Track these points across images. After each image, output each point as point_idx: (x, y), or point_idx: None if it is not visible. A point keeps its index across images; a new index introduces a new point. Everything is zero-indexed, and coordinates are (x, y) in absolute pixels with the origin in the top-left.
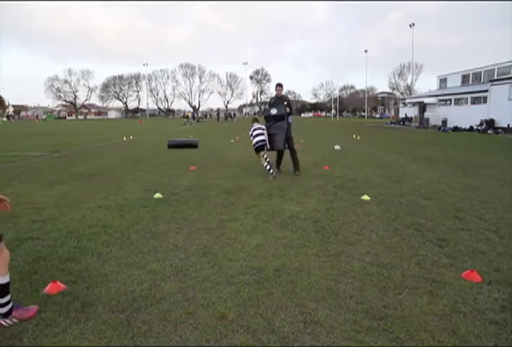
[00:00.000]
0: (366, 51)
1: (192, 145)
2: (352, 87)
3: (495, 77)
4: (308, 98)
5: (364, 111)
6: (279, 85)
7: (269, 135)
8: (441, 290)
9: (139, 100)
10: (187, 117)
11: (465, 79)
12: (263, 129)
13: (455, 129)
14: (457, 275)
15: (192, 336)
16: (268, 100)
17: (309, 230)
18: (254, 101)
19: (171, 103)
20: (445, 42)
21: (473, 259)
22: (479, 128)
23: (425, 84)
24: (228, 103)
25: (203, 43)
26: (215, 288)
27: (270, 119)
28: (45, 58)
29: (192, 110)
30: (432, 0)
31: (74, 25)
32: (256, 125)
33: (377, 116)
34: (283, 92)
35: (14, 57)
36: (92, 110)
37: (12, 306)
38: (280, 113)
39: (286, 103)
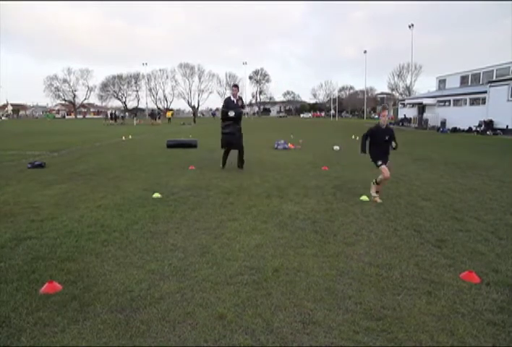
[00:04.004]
0: (365, 52)
1: (190, 145)
2: (351, 87)
3: (494, 78)
4: (307, 98)
5: (363, 112)
6: (235, 86)
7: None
8: (439, 290)
9: (138, 100)
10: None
11: (464, 80)
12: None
13: (454, 130)
14: (455, 275)
15: (191, 336)
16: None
17: (308, 231)
18: (254, 101)
19: (170, 102)
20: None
21: (471, 260)
22: (478, 129)
23: (424, 86)
24: None
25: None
26: (213, 288)
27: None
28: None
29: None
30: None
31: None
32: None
33: (376, 116)
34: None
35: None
36: (92, 110)
37: None
38: (238, 114)
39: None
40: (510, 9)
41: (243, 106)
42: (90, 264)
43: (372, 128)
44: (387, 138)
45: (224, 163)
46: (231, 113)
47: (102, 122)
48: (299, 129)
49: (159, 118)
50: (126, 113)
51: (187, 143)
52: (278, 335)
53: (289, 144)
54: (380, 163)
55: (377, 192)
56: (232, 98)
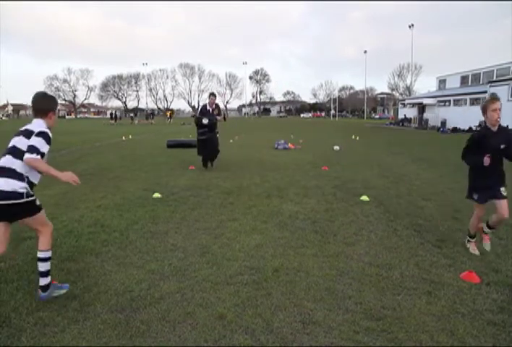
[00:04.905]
0: (365, 52)
1: (190, 145)
2: (352, 87)
3: (494, 78)
4: (307, 98)
5: (364, 112)
6: (212, 95)
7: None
8: (439, 290)
9: (138, 100)
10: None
11: (464, 80)
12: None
13: (454, 130)
14: (455, 275)
15: (191, 336)
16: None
17: (308, 231)
18: (254, 101)
19: (171, 102)
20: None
21: (471, 260)
22: (478, 129)
23: (424, 86)
24: (227, 102)
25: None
26: (213, 288)
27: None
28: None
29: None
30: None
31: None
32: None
33: (376, 116)
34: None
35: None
36: (92, 110)
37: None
38: (211, 121)
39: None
40: (510, 9)
41: (219, 114)
42: (90, 264)
43: (479, 132)
44: (502, 147)
45: (205, 164)
46: (205, 121)
47: (102, 122)
48: (299, 129)
49: (152, 118)
50: (132, 114)
51: (187, 143)
52: (278, 335)
53: (289, 144)
54: (475, 197)
55: (475, 235)
56: (208, 107)
